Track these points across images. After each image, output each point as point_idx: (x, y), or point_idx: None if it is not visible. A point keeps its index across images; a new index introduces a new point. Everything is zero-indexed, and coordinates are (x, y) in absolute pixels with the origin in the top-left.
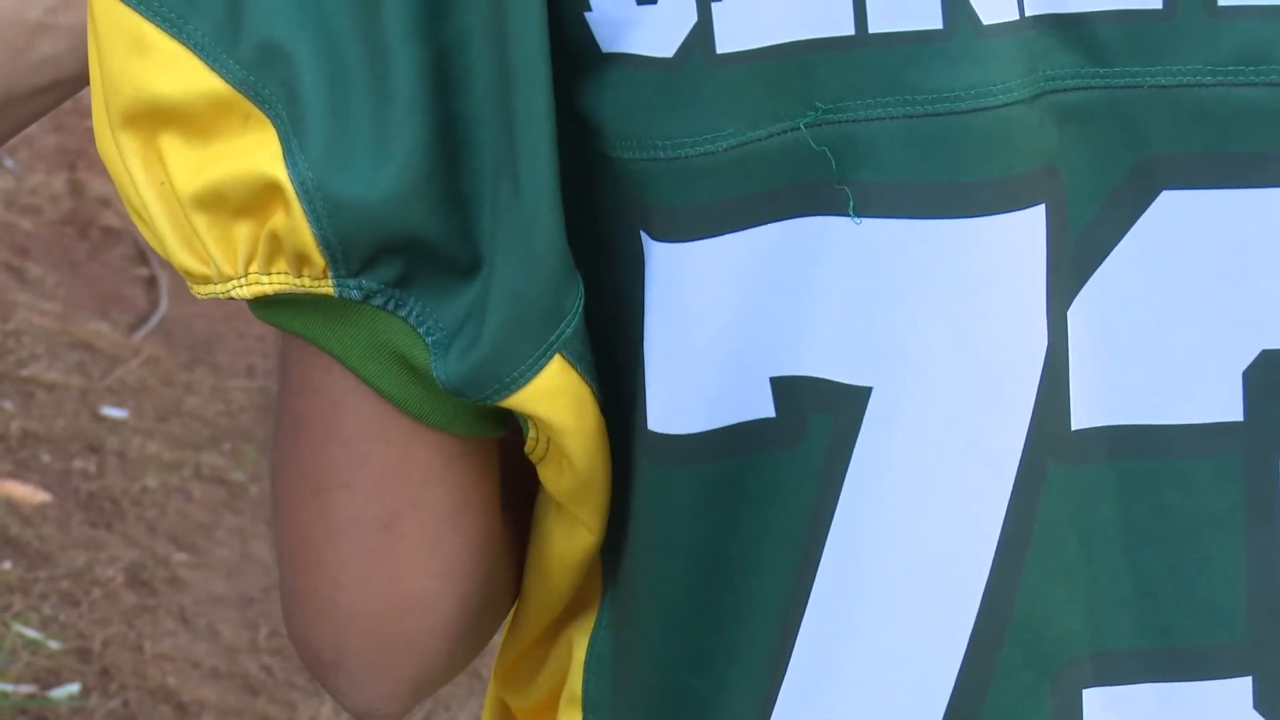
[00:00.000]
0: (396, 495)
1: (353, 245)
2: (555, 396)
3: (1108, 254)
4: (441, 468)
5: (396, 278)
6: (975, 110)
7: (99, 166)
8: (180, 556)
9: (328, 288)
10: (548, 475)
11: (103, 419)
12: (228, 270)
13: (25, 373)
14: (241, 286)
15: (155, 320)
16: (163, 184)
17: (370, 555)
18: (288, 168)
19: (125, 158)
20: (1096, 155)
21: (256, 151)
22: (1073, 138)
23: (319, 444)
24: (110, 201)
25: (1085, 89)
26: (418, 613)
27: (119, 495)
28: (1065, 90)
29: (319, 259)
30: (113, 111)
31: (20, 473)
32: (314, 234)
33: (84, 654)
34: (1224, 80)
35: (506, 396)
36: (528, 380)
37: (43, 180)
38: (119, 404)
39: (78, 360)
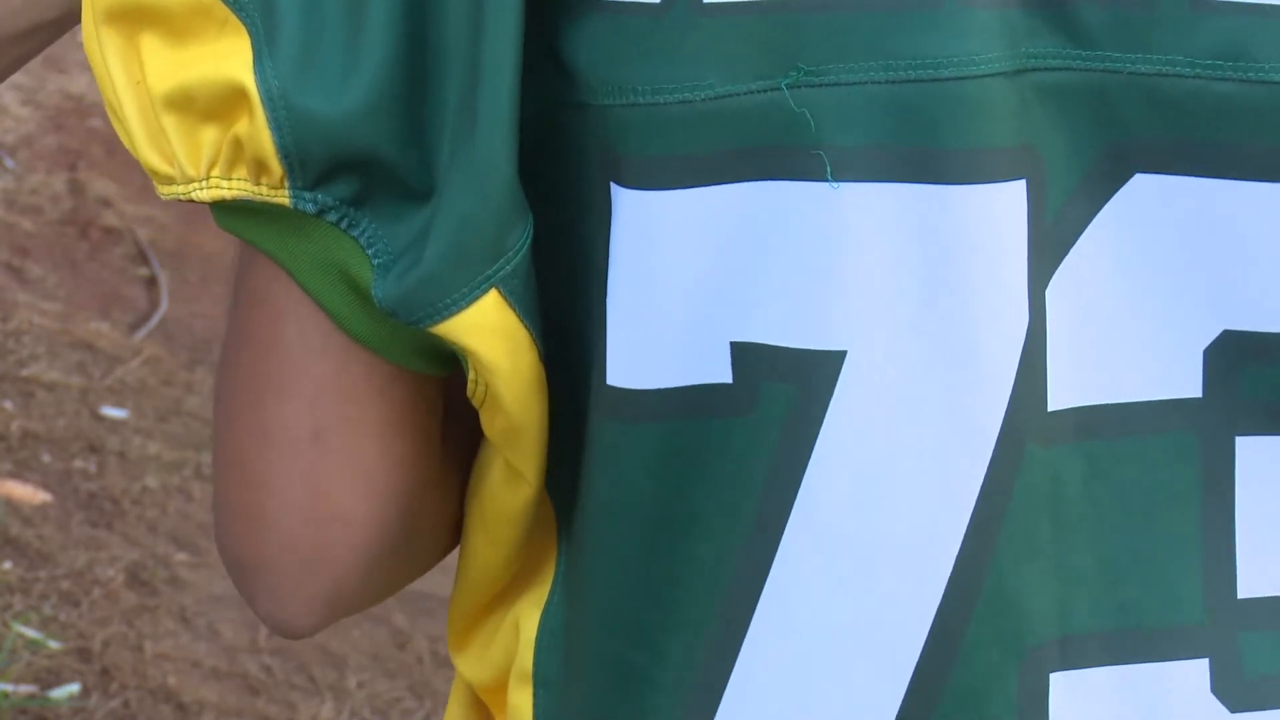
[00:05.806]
0: (327, 409)
1: (310, 157)
2: (488, 332)
3: (1080, 234)
4: (374, 390)
5: (352, 196)
6: (956, 79)
7: (99, 166)
8: (180, 556)
9: (283, 197)
10: (485, 418)
11: (103, 419)
12: (191, 172)
13: (25, 373)
14: (202, 189)
15: (155, 320)
16: (138, 83)
17: (296, 464)
18: (256, 76)
19: (106, 54)
20: (1073, 136)
21: (229, 58)
22: (1052, 118)
23: (261, 354)
24: (110, 201)
25: (1066, 69)
26: (336, 527)
27: (119, 495)
28: (1047, 69)
29: (277, 168)
30: (98, 8)
31: (20, 473)
32: (274, 142)
33: (84, 654)
34: (1202, 74)
35: (438, 323)
36: (460, 309)
37: (43, 180)
38: (119, 404)
39: (78, 360)
